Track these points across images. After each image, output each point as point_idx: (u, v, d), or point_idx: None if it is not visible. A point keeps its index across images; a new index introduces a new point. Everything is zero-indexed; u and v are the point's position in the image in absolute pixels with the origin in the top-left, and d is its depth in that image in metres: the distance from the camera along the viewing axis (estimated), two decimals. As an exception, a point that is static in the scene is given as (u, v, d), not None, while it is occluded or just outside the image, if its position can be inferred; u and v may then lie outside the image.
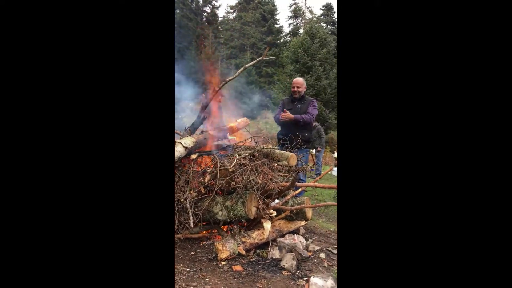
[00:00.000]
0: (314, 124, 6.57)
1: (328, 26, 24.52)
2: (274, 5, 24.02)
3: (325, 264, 1.73)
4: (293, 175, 1.87)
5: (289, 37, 23.78)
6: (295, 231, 2.11)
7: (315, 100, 2.92)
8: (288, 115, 2.68)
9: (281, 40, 23.65)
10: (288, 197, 2.14)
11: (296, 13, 25.35)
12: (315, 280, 1.44)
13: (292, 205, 2.10)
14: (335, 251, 1.95)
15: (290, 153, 2.05)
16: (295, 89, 2.93)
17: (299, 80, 2.99)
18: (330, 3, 24.82)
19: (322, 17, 24.84)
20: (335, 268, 1.70)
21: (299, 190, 2.23)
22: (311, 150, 6.81)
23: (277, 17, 24.31)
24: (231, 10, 25.80)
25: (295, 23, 25.59)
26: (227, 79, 2.20)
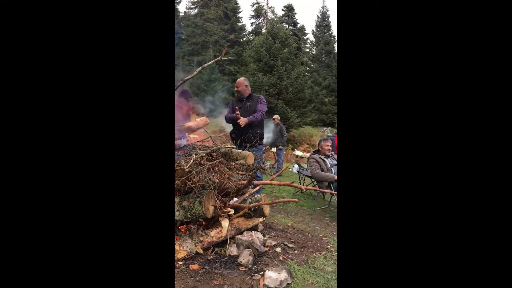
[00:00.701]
0: (277, 122, 6.74)
1: (290, 26, 25.10)
2: (236, 3, 23.93)
3: (281, 258, 1.81)
4: (250, 173, 1.92)
5: (251, 36, 23.90)
6: (254, 228, 2.17)
7: (262, 97, 3.03)
8: (243, 120, 2.74)
9: (244, 39, 23.68)
10: (246, 195, 2.19)
11: (258, 12, 25.55)
12: (269, 273, 1.51)
13: (250, 203, 2.15)
14: (291, 245, 2.05)
15: (248, 152, 2.10)
16: (236, 89, 3.03)
17: (239, 80, 3.08)
18: (291, 4, 25.39)
19: (283, 18, 25.33)
20: (290, 261, 1.79)
21: (257, 188, 2.29)
22: (273, 148, 6.97)
23: (240, 15, 24.27)
24: (193, 6, 25.21)
25: (257, 22, 25.78)
26: (185, 78, 2.18)
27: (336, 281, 1.59)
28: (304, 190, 3.12)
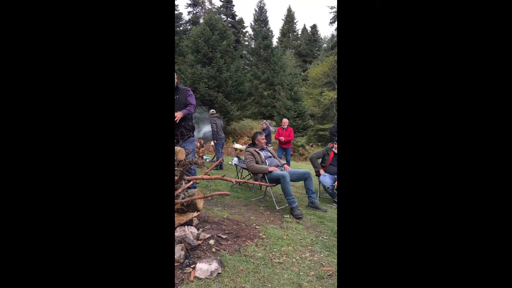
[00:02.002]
0: (216, 115, 6.72)
1: (228, 18, 24.91)
2: (172, -10, 22.69)
3: (213, 250, 1.87)
4: (181, 169, 1.91)
5: (189, 26, 23.06)
6: (188, 223, 2.18)
7: (189, 89, 3.03)
8: (178, 114, 2.71)
9: (181, 28, 22.72)
10: (179, 190, 2.17)
11: (196, 1, 24.73)
12: (200, 265, 1.55)
13: (183, 198, 2.15)
14: (224, 236, 2.11)
15: (178, 148, 2.08)
16: None
17: None
18: (230, -4, 25.18)
19: (221, 9, 25.00)
20: (223, 251, 1.86)
21: (191, 182, 2.29)
22: (211, 142, 6.94)
23: (176, 2, 23.13)
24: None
25: (194, 11, 24.95)
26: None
27: (265, 265, 1.71)
28: (235, 183, 3.22)
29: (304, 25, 50.11)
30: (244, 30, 27.89)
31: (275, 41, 28.56)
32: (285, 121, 6.55)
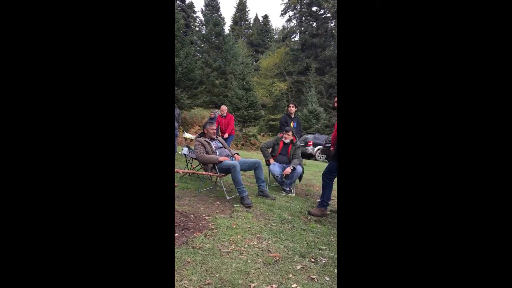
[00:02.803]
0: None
1: (177, 1, 23.66)
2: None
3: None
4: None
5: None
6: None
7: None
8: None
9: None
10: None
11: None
12: (144, 261, 1.47)
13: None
14: (172, 229, 2.05)
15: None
16: None
17: None
18: (179, -23, 23.87)
19: (170, -10, 23.63)
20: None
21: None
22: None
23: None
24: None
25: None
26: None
27: (213, 256, 1.70)
28: (182, 174, 3.13)
29: (256, 14, 50.08)
30: (194, 15, 26.82)
31: (227, 28, 28.02)
32: (224, 108, 6.30)
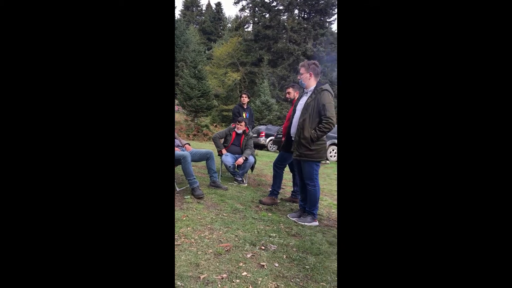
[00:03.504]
0: None
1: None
2: None
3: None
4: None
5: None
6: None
7: None
8: None
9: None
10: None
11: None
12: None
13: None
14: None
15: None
16: None
17: None
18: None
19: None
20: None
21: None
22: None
23: None
24: None
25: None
26: None
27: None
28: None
29: (209, 1, 48.50)
30: None
31: (177, 13, 26.66)
32: None
